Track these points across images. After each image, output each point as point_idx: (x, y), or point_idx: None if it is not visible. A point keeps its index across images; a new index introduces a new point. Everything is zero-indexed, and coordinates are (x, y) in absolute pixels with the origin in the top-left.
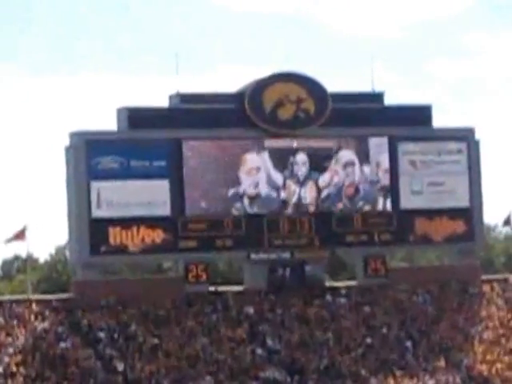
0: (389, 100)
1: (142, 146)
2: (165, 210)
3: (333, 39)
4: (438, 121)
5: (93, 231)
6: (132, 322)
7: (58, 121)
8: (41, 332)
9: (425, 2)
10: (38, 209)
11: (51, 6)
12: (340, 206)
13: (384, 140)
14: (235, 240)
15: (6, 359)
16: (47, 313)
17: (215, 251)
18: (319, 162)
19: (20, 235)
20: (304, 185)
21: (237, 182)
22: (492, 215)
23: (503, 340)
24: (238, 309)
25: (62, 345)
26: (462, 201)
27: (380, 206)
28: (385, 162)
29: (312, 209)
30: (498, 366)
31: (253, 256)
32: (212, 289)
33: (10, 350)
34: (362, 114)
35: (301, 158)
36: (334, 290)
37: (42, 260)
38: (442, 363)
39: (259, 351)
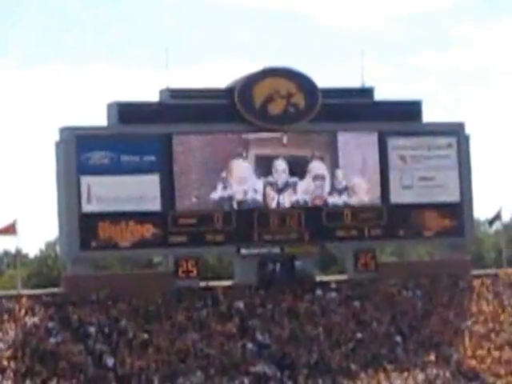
0: (379, 95)
1: (132, 141)
2: (155, 204)
3: (322, 34)
4: (428, 115)
5: (83, 226)
6: (122, 317)
7: (48, 116)
8: (31, 327)
9: None
10: (28, 204)
11: None
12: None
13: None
14: (225, 235)
15: None
16: (37, 308)
17: (205, 246)
18: (297, 169)
19: (10, 229)
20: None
21: (227, 179)
22: (482, 210)
23: (493, 335)
24: (228, 304)
25: (52, 340)
26: (453, 195)
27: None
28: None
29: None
30: (488, 360)
31: (243, 251)
32: (203, 284)
33: (0, 345)
34: (352, 109)
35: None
36: (324, 285)
37: (32, 255)
38: (432, 358)
39: (249, 346)
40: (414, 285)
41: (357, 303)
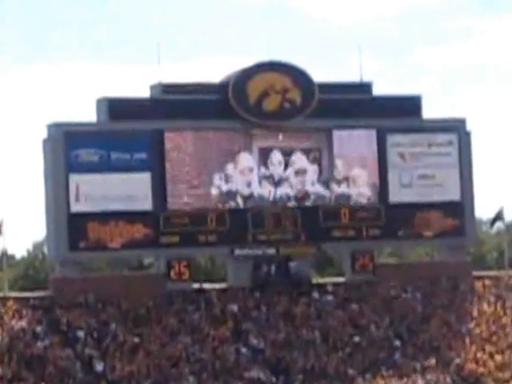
0: (377, 90)
1: (122, 137)
2: (146, 204)
3: (316, 29)
4: (428, 111)
5: (71, 226)
6: (112, 320)
7: (35, 112)
8: (18, 331)
9: None
10: (14, 203)
11: None
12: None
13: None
14: (218, 235)
15: None
16: (24, 311)
17: (198, 247)
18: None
19: None
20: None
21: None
22: (484, 209)
23: (495, 338)
24: (221, 307)
25: (40, 344)
26: (453, 194)
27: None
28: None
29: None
30: (490, 364)
31: (237, 252)
32: (197, 286)
33: None
34: (350, 105)
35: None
36: (321, 287)
37: (18, 256)
38: (431, 362)
39: (243, 350)
40: (414, 287)
41: (354, 306)
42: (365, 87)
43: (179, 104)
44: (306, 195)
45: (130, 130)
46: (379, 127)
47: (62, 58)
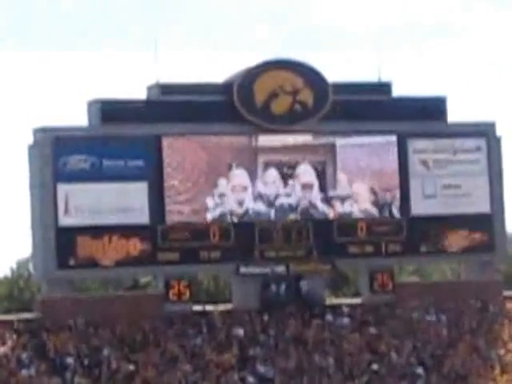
0: (397, 91)
1: (116, 143)
2: (142, 217)
3: (332, 24)
4: (454, 114)
5: (60, 242)
6: (104, 345)
7: (20, 115)
8: (1, 357)
9: None
10: None
11: None
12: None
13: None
14: (222, 251)
15: None
16: (8, 335)
17: (200, 264)
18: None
19: None
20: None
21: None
22: None
23: None
24: (225, 331)
25: (25, 372)
26: (482, 206)
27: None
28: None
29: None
30: None
31: (242, 270)
32: (198, 308)
33: None
34: (367, 107)
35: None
36: (335, 309)
37: (1, 276)
38: None
39: (250, 379)
40: (438, 309)
41: (372, 330)
42: (384, 87)
43: (179, 106)
44: (317, 207)
45: (125, 134)
46: (400, 132)
47: (50, 56)
